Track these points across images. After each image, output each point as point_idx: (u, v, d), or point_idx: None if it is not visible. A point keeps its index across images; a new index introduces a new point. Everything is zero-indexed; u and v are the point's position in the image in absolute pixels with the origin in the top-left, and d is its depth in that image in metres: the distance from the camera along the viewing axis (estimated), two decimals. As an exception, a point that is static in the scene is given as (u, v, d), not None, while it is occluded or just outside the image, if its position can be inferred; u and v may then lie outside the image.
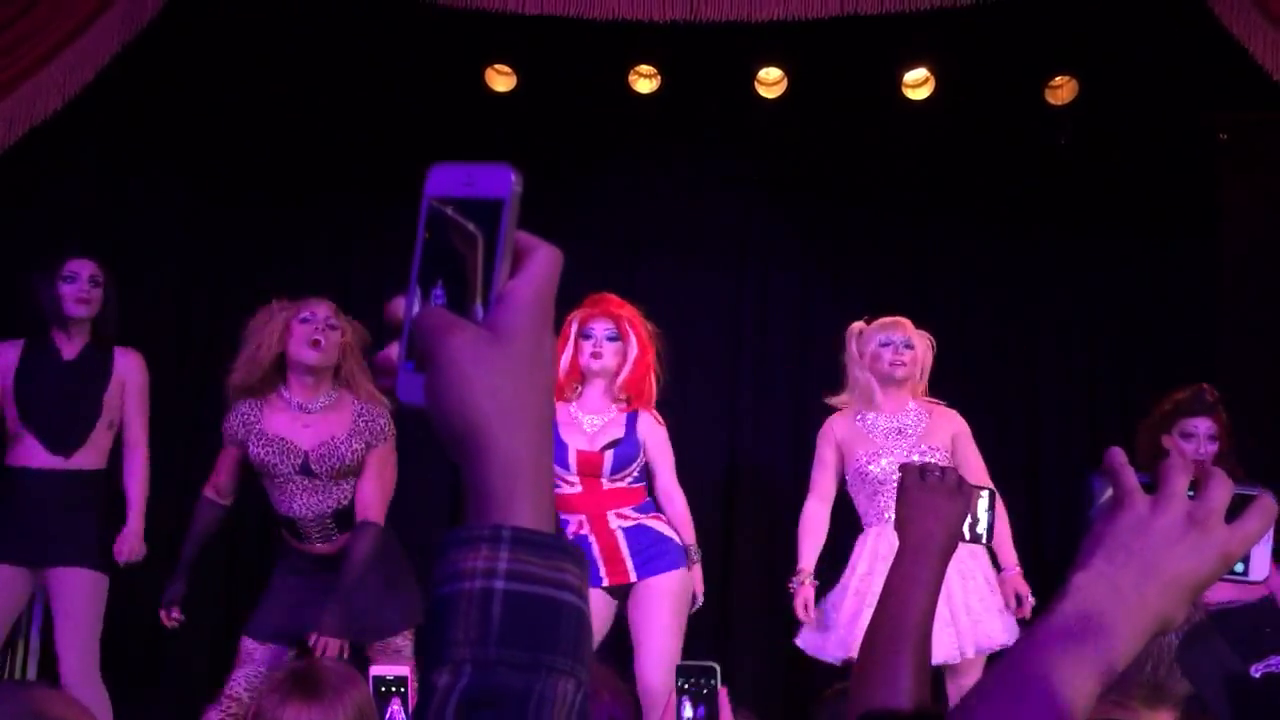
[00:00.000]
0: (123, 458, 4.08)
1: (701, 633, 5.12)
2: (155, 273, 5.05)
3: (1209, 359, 5.00)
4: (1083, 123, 5.14)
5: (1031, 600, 3.94)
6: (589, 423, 4.09)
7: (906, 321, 4.22)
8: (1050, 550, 5.02)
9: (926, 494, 1.61)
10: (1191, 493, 0.90)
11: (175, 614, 3.87)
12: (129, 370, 4.05)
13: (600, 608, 3.95)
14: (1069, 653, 0.86)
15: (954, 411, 4.21)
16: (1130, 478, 0.92)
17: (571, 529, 4.03)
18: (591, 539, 4.02)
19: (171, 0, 3.88)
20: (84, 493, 3.94)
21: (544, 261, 0.74)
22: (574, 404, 4.10)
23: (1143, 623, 0.87)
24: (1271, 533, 0.95)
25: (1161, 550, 0.88)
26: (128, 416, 4.07)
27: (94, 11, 3.83)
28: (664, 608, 3.99)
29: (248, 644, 3.82)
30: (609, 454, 4.04)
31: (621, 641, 3.98)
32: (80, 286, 3.93)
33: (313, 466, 3.79)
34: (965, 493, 1.63)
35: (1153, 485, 0.91)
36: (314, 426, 3.82)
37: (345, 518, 3.86)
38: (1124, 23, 4.69)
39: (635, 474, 4.11)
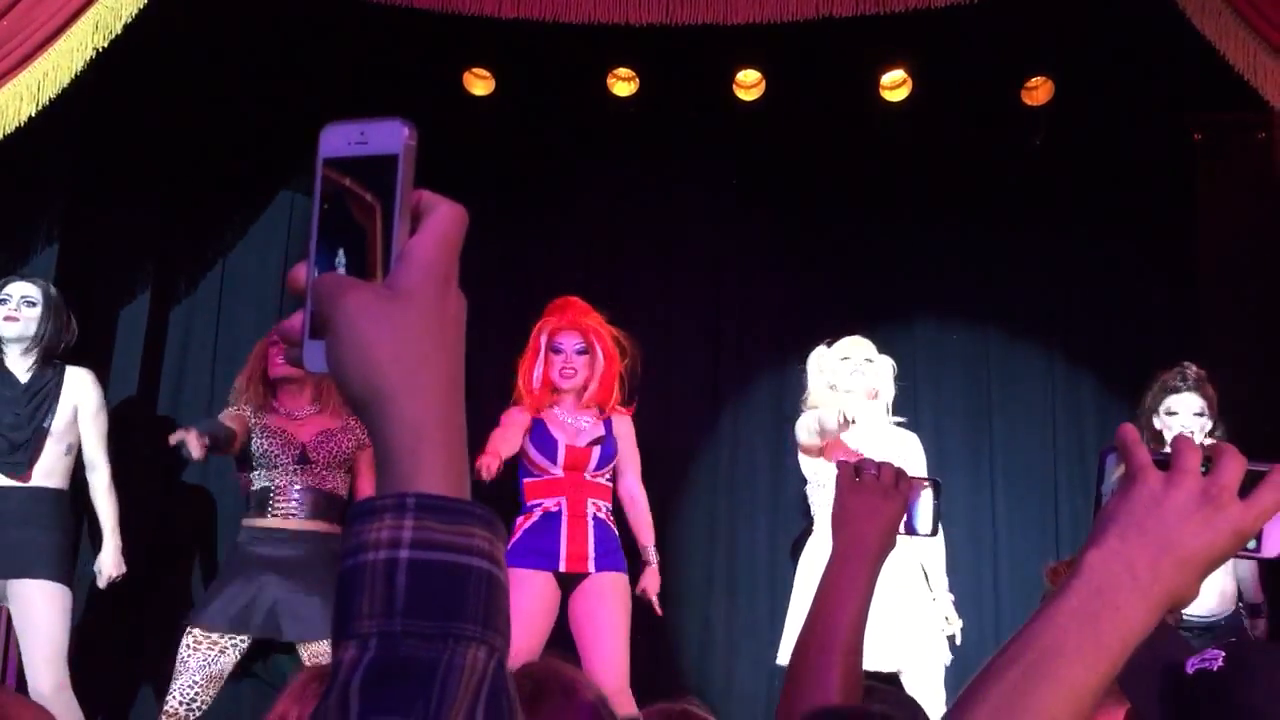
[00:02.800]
0: (86, 480, 4.07)
1: (687, 639, 5.12)
2: (125, 282, 5.02)
3: (1189, 358, 5.03)
4: (1059, 123, 5.17)
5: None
6: (573, 423, 4.23)
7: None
8: (1004, 560, 5.04)
9: (861, 495, 1.55)
10: (1204, 469, 0.88)
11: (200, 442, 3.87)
12: (81, 390, 4.07)
13: (550, 593, 4.03)
14: (1083, 631, 0.85)
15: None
16: (1143, 454, 0.90)
17: (547, 507, 4.11)
18: (564, 519, 4.10)
19: (145, 5, 3.85)
20: (43, 509, 3.92)
21: (445, 218, 0.70)
22: (562, 409, 4.23)
23: (1156, 601, 0.86)
24: None
25: (1176, 527, 0.86)
26: (84, 436, 4.07)
27: (69, 18, 3.80)
28: (616, 605, 4.07)
29: (184, 649, 3.93)
30: (595, 449, 4.20)
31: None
32: (10, 306, 3.96)
33: (310, 454, 4.09)
34: (902, 490, 1.57)
35: (1165, 463, 0.89)
36: (308, 424, 4.16)
37: (323, 501, 4.10)
38: (1099, 24, 4.71)
39: (610, 473, 4.27)
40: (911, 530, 1.64)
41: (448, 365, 0.69)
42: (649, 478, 4.44)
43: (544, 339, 4.21)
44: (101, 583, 4.04)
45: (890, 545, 1.55)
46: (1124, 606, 0.85)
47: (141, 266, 5.08)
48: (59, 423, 3.99)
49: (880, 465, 1.58)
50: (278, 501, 4.07)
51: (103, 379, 4.76)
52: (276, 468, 4.08)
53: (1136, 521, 0.87)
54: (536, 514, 4.11)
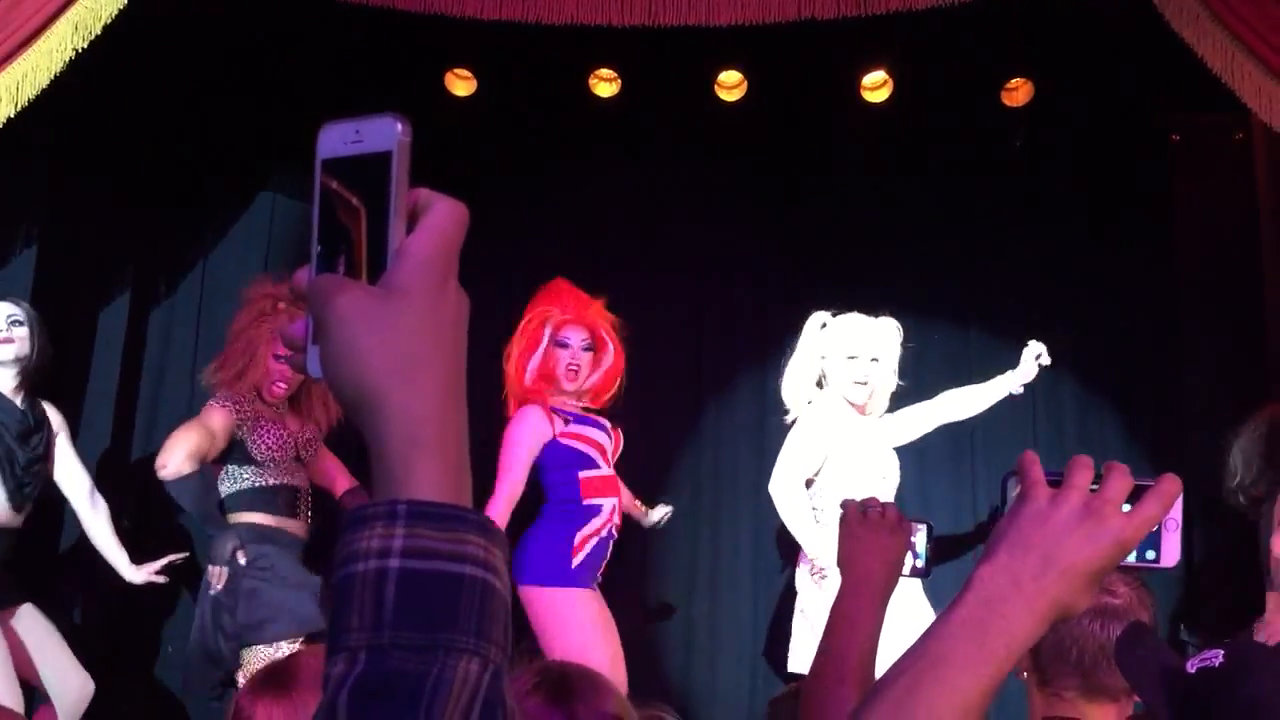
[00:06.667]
0: (88, 506, 4.07)
1: (671, 638, 5.13)
2: (105, 284, 4.99)
3: (1165, 358, 5.06)
4: (1039, 124, 5.20)
5: None
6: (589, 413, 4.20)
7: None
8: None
9: (868, 531, 1.60)
10: (1095, 486, 0.94)
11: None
12: (58, 423, 4.08)
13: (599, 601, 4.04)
14: (971, 640, 0.90)
15: None
16: (1036, 473, 0.96)
17: (599, 525, 4.01)
18: (610, 547, 4.06)
19: (125, 6, 3.83)
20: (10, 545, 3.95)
21: (443, 215, 0.69)
22: (566, 402, 4.13)
23: (1041, 611, 0.91)
24: (1179, 519, 0.99)
25: (1059, 540, 0.91)
26: (72, 468, 4.07)
27: (48, 19, 3.78)
28: (611, 614, 4.09)
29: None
30: (620, 431, 4.23)
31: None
32: None
33: (300, 453, 4.20)
34: (905, 529, 1.63)
35: (1059, 481, 0.95)
36: (290, 422, 4.24)
37: (315, 495, 4.25)
38: (1079, 26, 4.74)
39: None
40: (915, 571, 1.74)
41: (445, 366, 0.67)
42: (632, 476, 4.44)
43: (548, 331, 4.05)
44: (141, 579, 4.09)
45: (895, 580, 1.61)
46: (1010, 616, 0.90)
47: (121, 268, 5.05)
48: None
49: (885, 505, 1.64)
50: (302, 501, 4.17)
51: (82, 381, 4.75)
52: (279, 464, 4.12)
53: (1023, 537, 0.92)
54: (598, 535, 3.98)
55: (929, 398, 4.57)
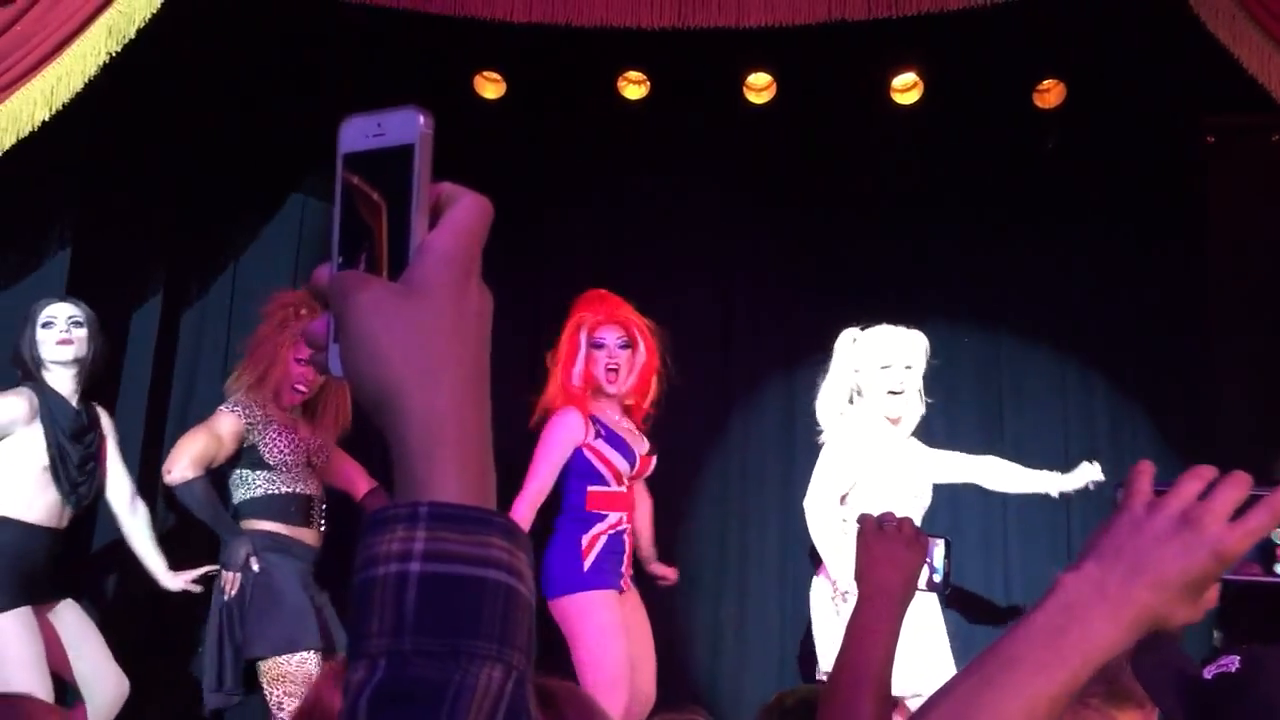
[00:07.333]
0: (128, 511, 4.10)
1: (698, 642, 5.12)
2: (137, 285, 5.03)
3: (1198, 362, 5.01)
4: (1071, 126, 5.16)
5: None
6: (627, 428, 4.15)
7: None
8: (1015, 566, 5.03)
9: (884, 543, 1.63)
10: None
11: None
12: (107, 427, 4.12)
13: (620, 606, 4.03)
14: (1046, 644, 0.88)
15: None
16: (1142, 483, 0.93)
17: (612, 523, 4.03)
18: (626, 541, 4.06)
19: (158, 10, 3.86)
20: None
21: (466, 210, 0.67)
22: (608, 410, 4.11)
23: (1127, 620, 0.88)
24: None
25: (1152, 550, 0.89)
26: (119, 473, 4.10)
27: (83, 22, 3.82)
28: (646, 616, 4.08)
29: (281, 663, 3.94)
30: (653, 459, 4.19)
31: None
32: (59, 329, 3.94)
33: (313, 459, 4.17)
34: (922, 543, 1.66)
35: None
36: (302, 429, 4.21)
37: (330, 503, 4.24)
38: (1112, 27, 4.70)
39: None
40: (933, 586, 1.77)
41: (467, 363, 0.65)
42: (660, 481, 4.44)
43: (584, 334, 4.04)
44: (177, 587, 4.10)
45: (912, 592, 1.63)
46: (1090, 623, 0.88)
47: (153, 270, 5.09)
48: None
49: (901, 519, 1.67)
50: (302, 511, 4.12)
51: (114, 382, 4.78)
52: (291, 470, 4.10)
53: (1115, 546, 0.90)
54: (609, 533, 4.00)
55: (960, 400, 4.53)
